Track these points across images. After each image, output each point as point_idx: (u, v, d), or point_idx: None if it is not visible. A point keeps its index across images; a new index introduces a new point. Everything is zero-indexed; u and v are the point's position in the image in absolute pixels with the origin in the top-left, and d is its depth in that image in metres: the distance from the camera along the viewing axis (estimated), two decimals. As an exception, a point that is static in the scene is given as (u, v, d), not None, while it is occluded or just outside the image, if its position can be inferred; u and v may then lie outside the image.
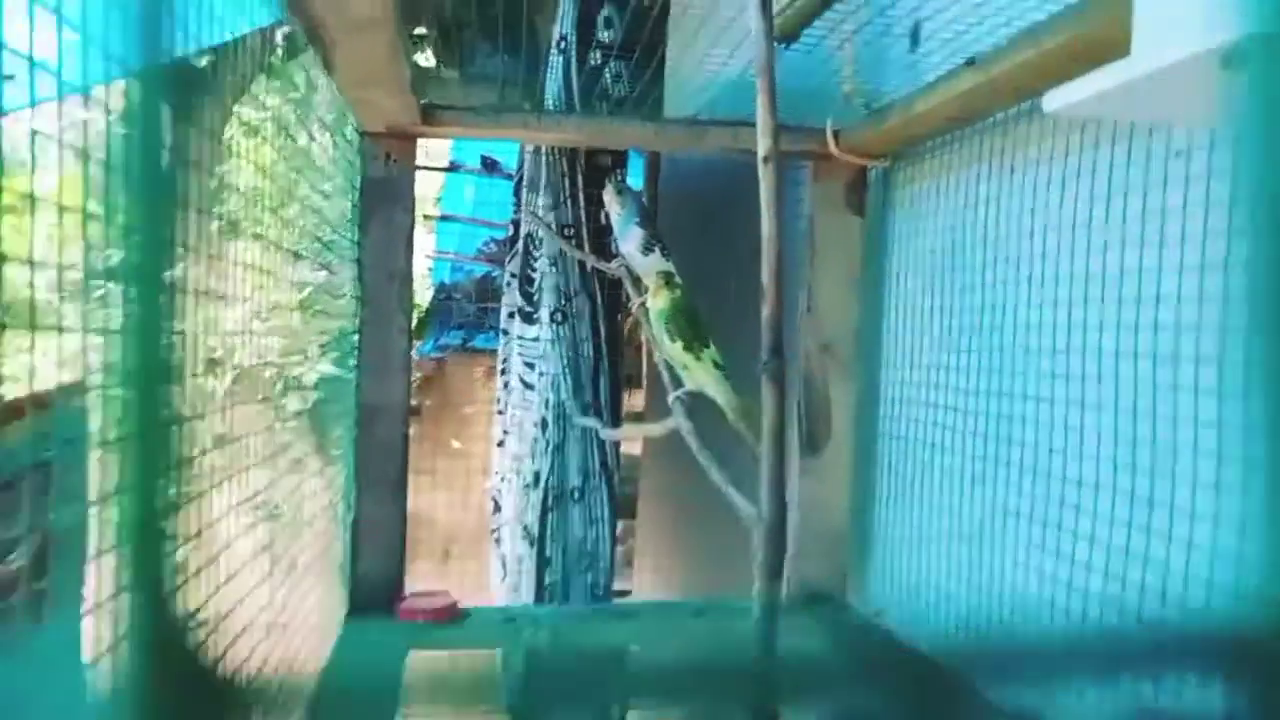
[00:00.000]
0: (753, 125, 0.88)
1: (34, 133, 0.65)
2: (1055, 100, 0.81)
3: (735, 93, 1.38)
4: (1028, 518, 1.16)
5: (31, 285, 0.71)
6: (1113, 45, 0.86)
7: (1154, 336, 0.95)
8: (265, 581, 1.15)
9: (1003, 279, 1.23)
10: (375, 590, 1.48)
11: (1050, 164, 1.14)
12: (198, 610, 0.86)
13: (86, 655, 0.76)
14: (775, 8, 0.99)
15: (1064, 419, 1.10)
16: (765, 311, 0.88)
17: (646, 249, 1.41)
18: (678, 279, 1.34)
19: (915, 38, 1.24)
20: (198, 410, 1.02)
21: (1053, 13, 0.95)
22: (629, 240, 1.44)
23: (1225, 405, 0.86)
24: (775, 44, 0.88)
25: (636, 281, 1.48)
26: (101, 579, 0.79)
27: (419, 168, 1.53)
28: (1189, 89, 0.67)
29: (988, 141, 1.28)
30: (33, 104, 0.74)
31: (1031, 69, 1.02)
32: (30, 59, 0.63)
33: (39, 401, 0.83)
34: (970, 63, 1.11)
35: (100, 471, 0.90)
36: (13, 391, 0.73)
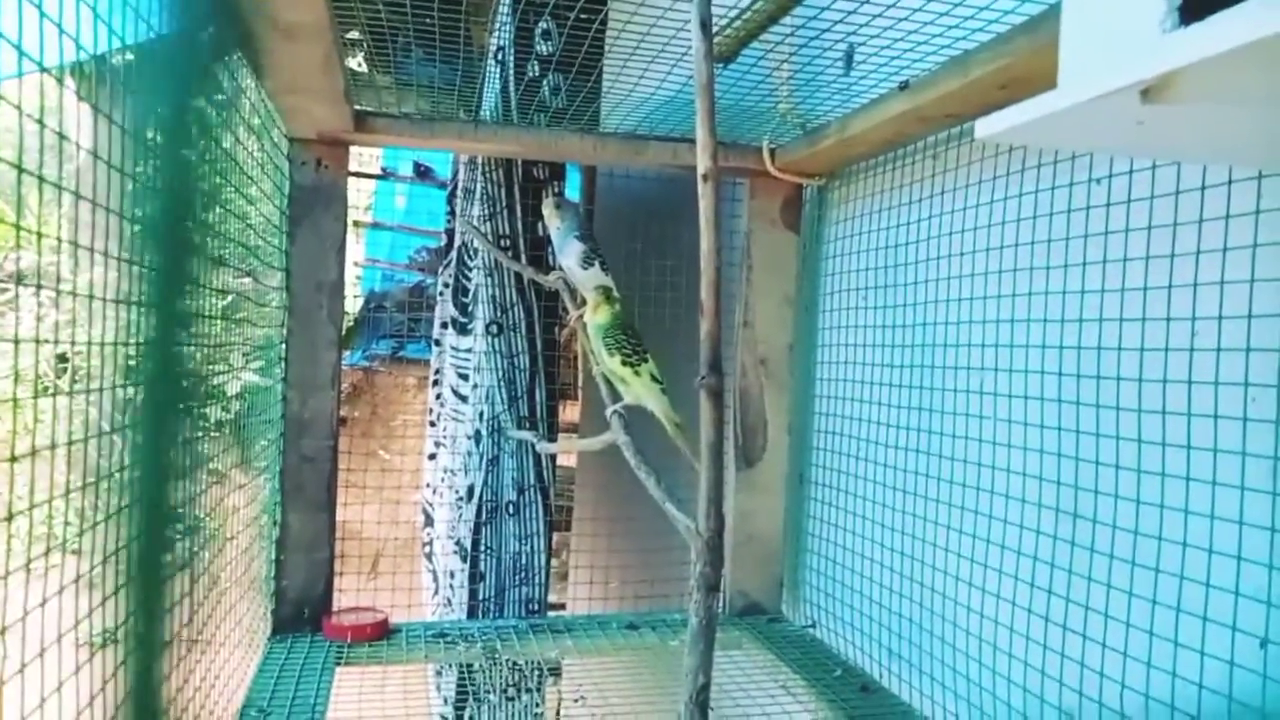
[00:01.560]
0: (692, 141, 0.89)
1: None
2: (986, 128, 0.84)
3: (674, 109, 1.39)
4: (956, 530, 1.19)
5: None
6: (1039, 76, 0.90)
7: (1077, 356, 0.99)
8: (184, 599, 1.10)
9: (933, 298, 1.27)
10: (300, 607, 1.43)
11: (979, 187, 1.18)
12: (117, 628, 0.82)
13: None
14: (714, 29, 1.01)
15: (991, 434, 1.13)
16: (704, 327, 0.89)
17: (586, 262, 1.41)
18: (617, 294, 1.34)
19: (849, 60, 1.26)
20: (115, 422, 0.97)
21: (981, 43, 0.99)
22: (569, 254, 1.43)
23: (1144, 422, 0.90)
24: (715, 64, 0.89)
25: (574, 294, 1.48)
26: None
27: (350, 174, 1.50)
28: (1111, 120, 0.70)
29: (920, 163, 1.32)
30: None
31: (959, 97, 1.05)
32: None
33: None
34: (903, 87, 1.14)
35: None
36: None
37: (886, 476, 1.36)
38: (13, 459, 0.74)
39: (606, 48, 1.34)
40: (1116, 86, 0.61)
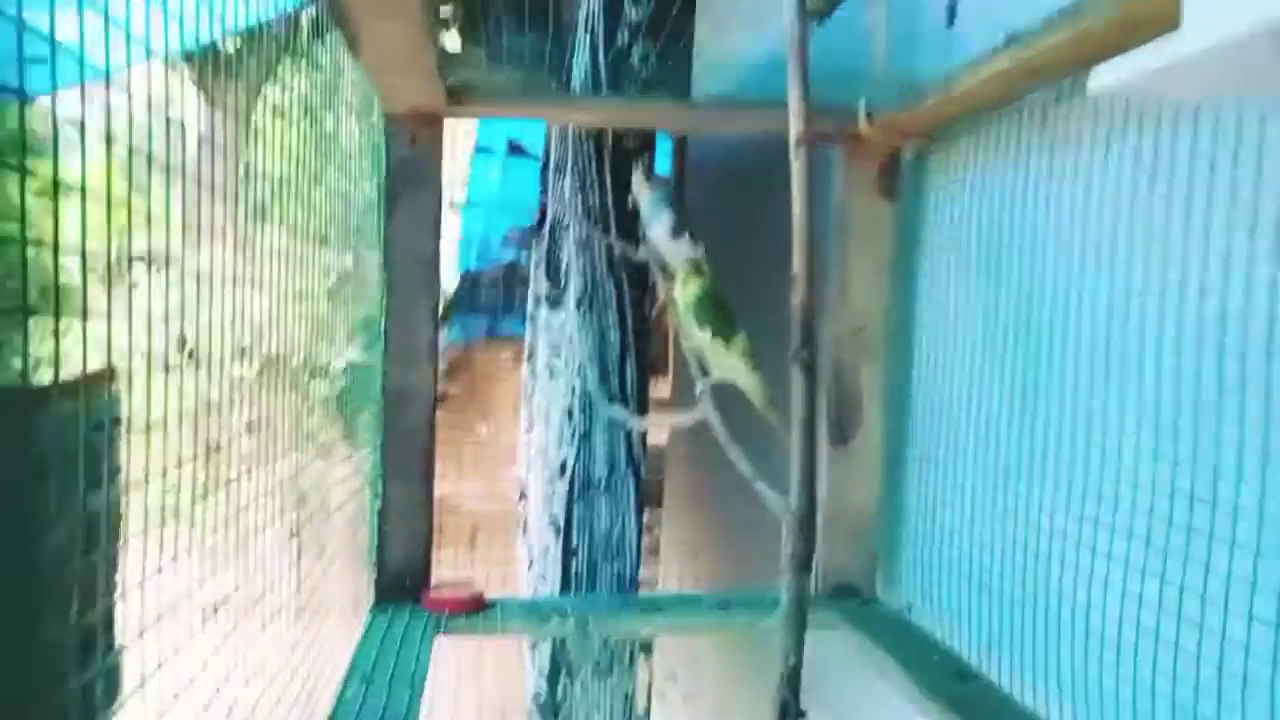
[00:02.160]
0: (784, 106, 0.86)
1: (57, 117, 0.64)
2: (1100, 79, 0.78)
3: (765, 73, 1.35)
4: (1064, 513, 1.13)
5: (57, 269, 0.71)
6: (1159, 21, 0.83)
7: (1215, 328, 0.92)
8: (293, 567, 1.15)
9: (1041, 268, 1.20)
10: (402, 579, 1.48)
11: (1094, 146, 1.10)
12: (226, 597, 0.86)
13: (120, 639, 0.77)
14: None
15: (1104, 412, 1.06)
16: (796, 299, 0.86)
17: (676, 234, 1.39)
18: (706, 265, 1.32)
19: (952, 13, 1.20)
20: (228, 397, 1.01)
21: (1098, -13, 0.91)
22: (657, 225, 1.42)
23: (1273, 399, 0.82)
24: (808, 21, 0.85)
25: (664, 268, 1.46)
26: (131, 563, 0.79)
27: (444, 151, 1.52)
28: (1245, 63, 0.63)
29: (1028, 123, 1.24)
30: (55, 88, 0.73)
31: (1073, 48, 0.98)
32: (51, 41, 0.63)
33: (96, 379, 0.83)
34: (1010, 40, 1.07)
35: (130, 456, 0.91)
36: (45, 376, 0.73)
37: (990, 454, 1.30)
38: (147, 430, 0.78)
39: (697, 12, 1.31)
40: (1255, 23, 0.55)
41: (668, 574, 1.86)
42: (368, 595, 1.48)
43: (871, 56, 1.33)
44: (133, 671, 0.76)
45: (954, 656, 1.32)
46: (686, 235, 1.39)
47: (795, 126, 0.84)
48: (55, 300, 0.62)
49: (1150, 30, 0.85)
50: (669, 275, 1.44)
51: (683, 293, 1.32)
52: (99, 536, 0.76)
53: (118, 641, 0.78)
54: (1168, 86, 0.82)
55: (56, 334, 0.67)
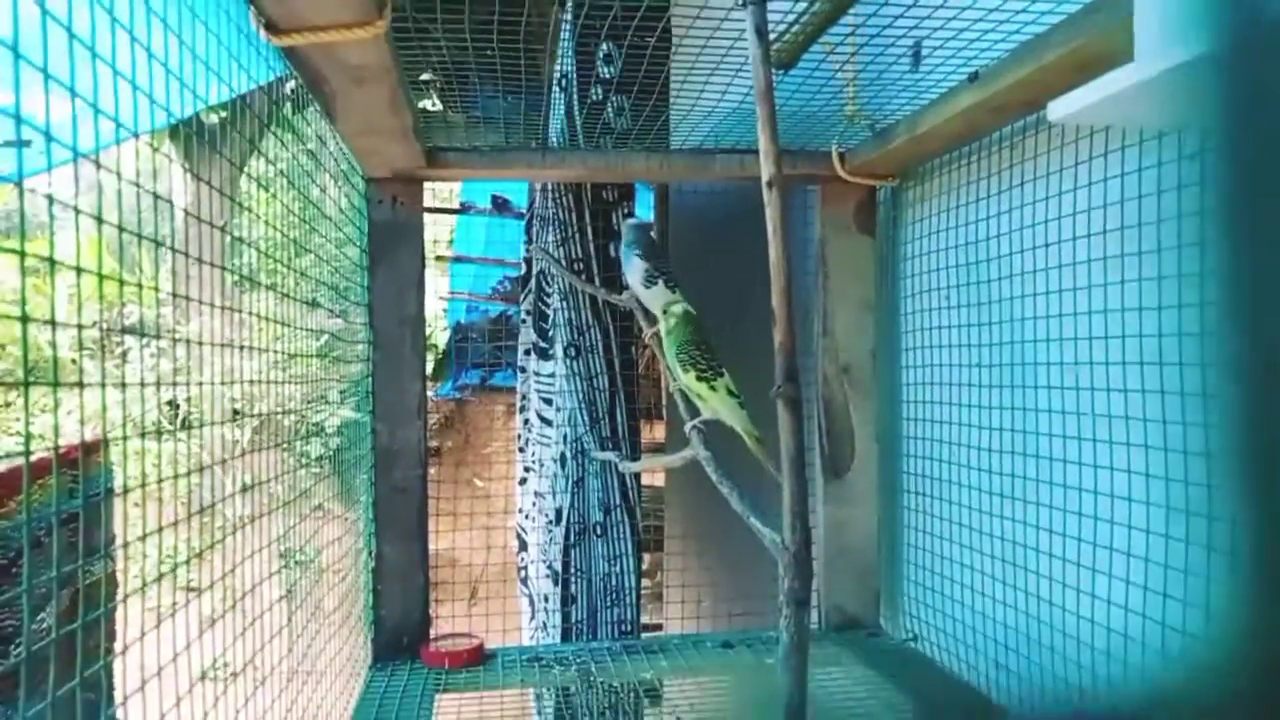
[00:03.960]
0: (758, 151, 0.88)
1: (50, 197, 0.66)
2: (1060, 109, 0.80)
3: (739, 120, 1.39)
4: (1060, 534, 1.13)
5: (54, 344, 0.72)
6: (1113, 55, 0.86)
7: (1178, 343, 0.94)
8: (286, 628, 1.14)
9: (1018, 293, 1.22)
10: (399, 635, 1.47)
11: (1060, 175, 1.13)
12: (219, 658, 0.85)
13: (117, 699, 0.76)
14: (772, 33, 1.00)
15: (1092, 431, 1.08)
16: (777, 336, 0.87)
17: (649, 282, 1.41)
18: (689, 309, 1.34)
19: (917, 56, 1.24)
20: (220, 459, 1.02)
21: (1053, 24, 0.95)
22: (632, 273, 1.44)
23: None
24: (774, 69, 0.88)
25: (647, 313, 1.48)
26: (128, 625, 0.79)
27: (428, 210, 1.54)
28: (1192, 89, 0.66)
29: (995, 156, 1.27)
30: (49, 168, 0.75)
31: (1033, 83, 1.01)
32: (46, 129, 0.64)
33: (90, 449, 0.83)
34: (973, 78, 1.11)
35: (124, 522, 0.91)
36: (39, 449, 0.73)
37: (983, 481, 1.31)
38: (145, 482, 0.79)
39: (669, 65, 1.35)
40: (1197, 53, 0.58)
41: (671, 616, 1.85)
42: (366, 654, 1.47)
43: (841, 99, 1.37)
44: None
45: (960, 683, 1.31)
46: (661, 281, 1.42)
47: (767, 169, 0.86)
48: (54, 374, 0.63)
49: (1105, 64, 0.89)
50: (652, 320, 1.45)
51: (666, 336, 1.33)
52: (97, 600, 0.77)
53: (117, 698, 0.77)
54: (1125, 114, 0.85)
55: (56, 408, 0.68)
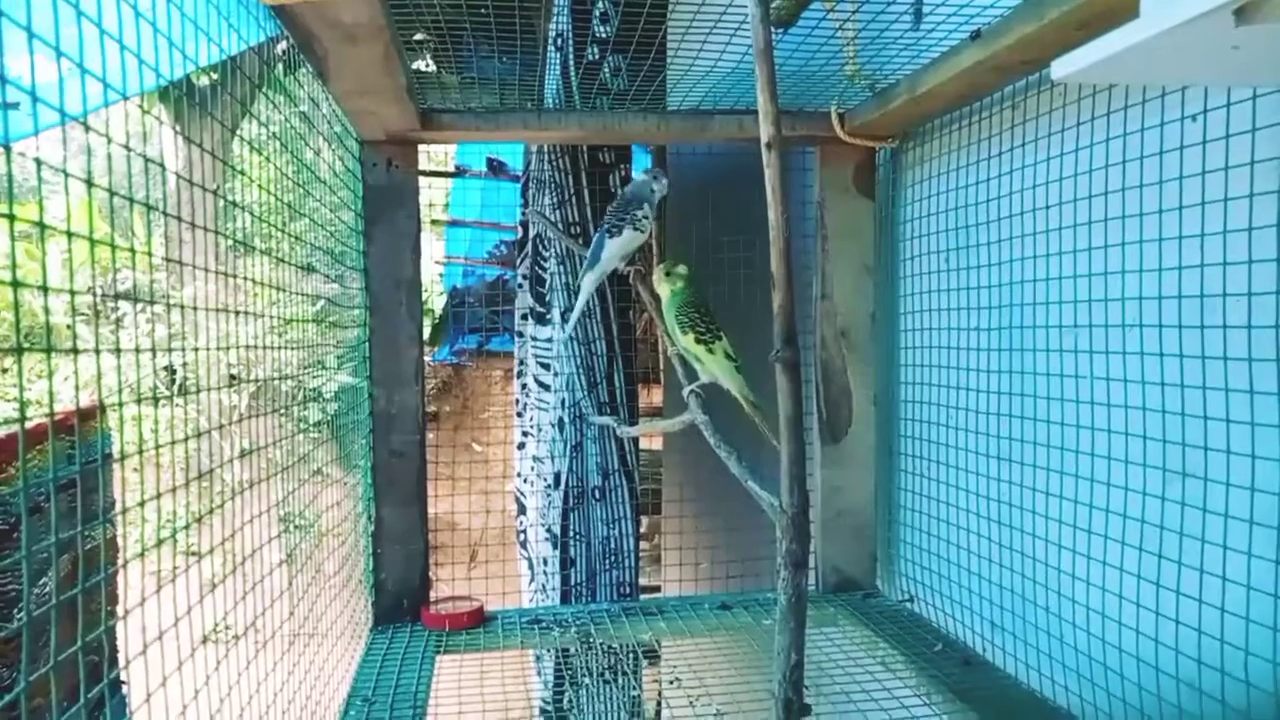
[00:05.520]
0: (756, 112, 0.87)
1: (39, 161, 0.65)
2: (1063, 67, 0.79)
3: (737, 80, 1.37)
4: (1056, 495, 1.14)
5: (47, 309, 0.71)
6: (1117, 12, 0.84)
7: (1178, 306, 0.93)
8: (287, 591, 1.15)
9: (1018, 255, 1.21)
10: (399, 599, 1.48)
11: (1062, 135, 1.12)
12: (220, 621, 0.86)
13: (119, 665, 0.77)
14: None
15: (1087, 393, 1.08)
16: (776, 299, 0.87)
17: (611, 233, 1.41)
18: (685, 270, 1.33)
19: (918, 14, 1.21)
20: (218, 423, 1.01)
21: (1056, -20, 0.93)
22: (609, 236, 1.44)
23: (1256, 371, 0.84)
24: (773, 28, 0.87)
25: (644, 276, 1.47)
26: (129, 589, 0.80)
27: (422, 173, 1.52)
28: (1202, 47, 0.65)
29: (997, 116, 1.26)
30: (36, 131, 0.74)
31: (1036, 41, 1.00)
32: (32, 90, 0.63)
33: (86, 416, 0.83)
34: (975, 36, 1.09)
35: (123, 487, 0.91)
36: (37, 416, 0.73)
37: (980, 443, 1.31)
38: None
39: (666, 24, 1.32)
40: (1206, 8, 0.57)
41: (668, 579, 1.87)
42: (367, 617, 1.48)
43: (841, 59, 1.35)
44: (136, 691, 0.77)
45: (956, 644, 1.33)
46: (627, 228, 1.41)
47: (766, 130, 0.85)
48: (47, 340, 0.62)
49: (1110, 21, 0.87)
50: (649, 283, 1.45)
51: (665, 297, 1.33)
52: (98, 565, 0.77)
53: (120, 662, 0.78)
54: (1128, 72, 0.83)
55: (51, 375, 0.67)
